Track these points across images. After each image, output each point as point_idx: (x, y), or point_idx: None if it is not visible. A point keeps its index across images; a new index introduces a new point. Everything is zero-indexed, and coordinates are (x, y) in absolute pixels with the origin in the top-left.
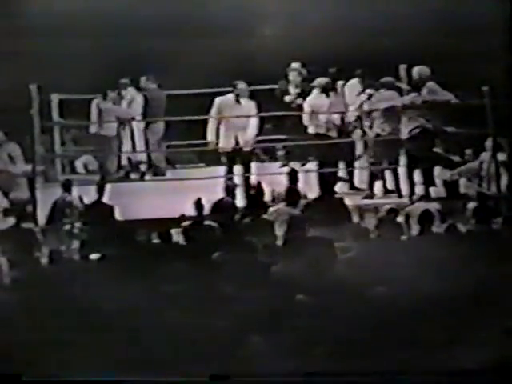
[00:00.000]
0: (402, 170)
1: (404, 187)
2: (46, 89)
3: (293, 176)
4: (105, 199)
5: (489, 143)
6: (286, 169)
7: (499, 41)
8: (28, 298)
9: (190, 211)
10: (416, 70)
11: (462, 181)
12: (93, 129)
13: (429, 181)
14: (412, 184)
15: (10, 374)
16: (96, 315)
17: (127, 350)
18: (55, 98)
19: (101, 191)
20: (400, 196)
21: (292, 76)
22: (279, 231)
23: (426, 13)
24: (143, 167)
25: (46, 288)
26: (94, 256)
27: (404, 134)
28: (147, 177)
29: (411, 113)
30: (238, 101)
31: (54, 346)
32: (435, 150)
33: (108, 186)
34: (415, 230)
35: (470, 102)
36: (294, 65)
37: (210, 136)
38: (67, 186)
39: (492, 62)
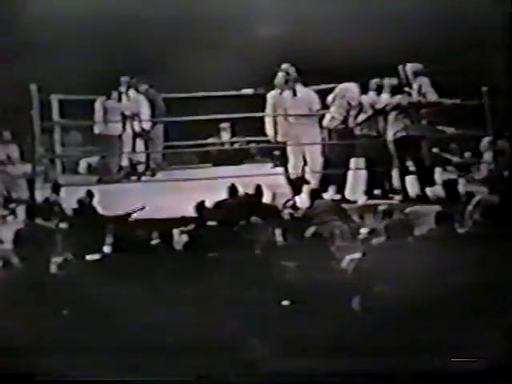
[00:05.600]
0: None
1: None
2: (46, 89)
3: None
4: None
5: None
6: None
7: (499, 41)
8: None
9: (192, 212)
10: (409, 67)
11: (461, 181)
12: (97, 129)
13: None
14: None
15: (23, 373)
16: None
17: (127, 349)
18: (55, 99)
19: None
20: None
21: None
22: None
23: (426, 13)
24: (141, 168)
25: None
26: (90, 257)
27: (389, 135)
28: (144, 178)
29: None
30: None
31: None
32: (434, 150)
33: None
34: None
35: (469, 103)
36: (284, 66)
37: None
38: (56, 187)
39: (492, 62)
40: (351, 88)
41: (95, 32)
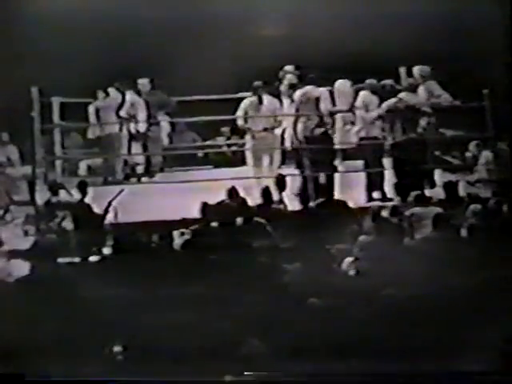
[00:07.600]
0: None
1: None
2: (47, 91)
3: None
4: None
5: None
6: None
7: (499, 41)
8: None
9: (192, 213)
10: (416, 70)
11: (462, 183)
12: (94, 131)
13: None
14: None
15: (13, 373)
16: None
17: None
18: (56, 101)
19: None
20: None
21: (287, 79)
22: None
23: (426, 13)
24: (140, 169)
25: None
26: (93, 258)
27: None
28: (144, 179)
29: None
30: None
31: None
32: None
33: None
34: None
35: (470, 104)
36: (288, 67)
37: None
38: (55, 189)
39: (492, 62)
40: (318, 92)
41: (96, 34)
